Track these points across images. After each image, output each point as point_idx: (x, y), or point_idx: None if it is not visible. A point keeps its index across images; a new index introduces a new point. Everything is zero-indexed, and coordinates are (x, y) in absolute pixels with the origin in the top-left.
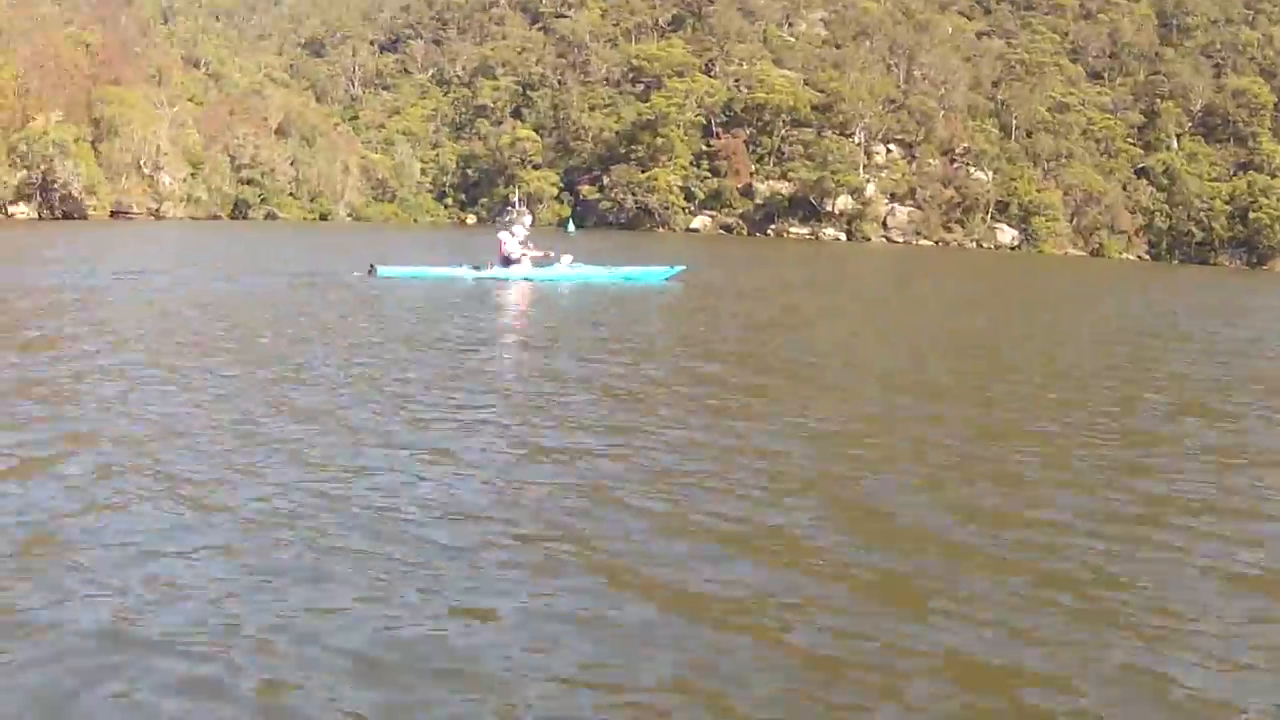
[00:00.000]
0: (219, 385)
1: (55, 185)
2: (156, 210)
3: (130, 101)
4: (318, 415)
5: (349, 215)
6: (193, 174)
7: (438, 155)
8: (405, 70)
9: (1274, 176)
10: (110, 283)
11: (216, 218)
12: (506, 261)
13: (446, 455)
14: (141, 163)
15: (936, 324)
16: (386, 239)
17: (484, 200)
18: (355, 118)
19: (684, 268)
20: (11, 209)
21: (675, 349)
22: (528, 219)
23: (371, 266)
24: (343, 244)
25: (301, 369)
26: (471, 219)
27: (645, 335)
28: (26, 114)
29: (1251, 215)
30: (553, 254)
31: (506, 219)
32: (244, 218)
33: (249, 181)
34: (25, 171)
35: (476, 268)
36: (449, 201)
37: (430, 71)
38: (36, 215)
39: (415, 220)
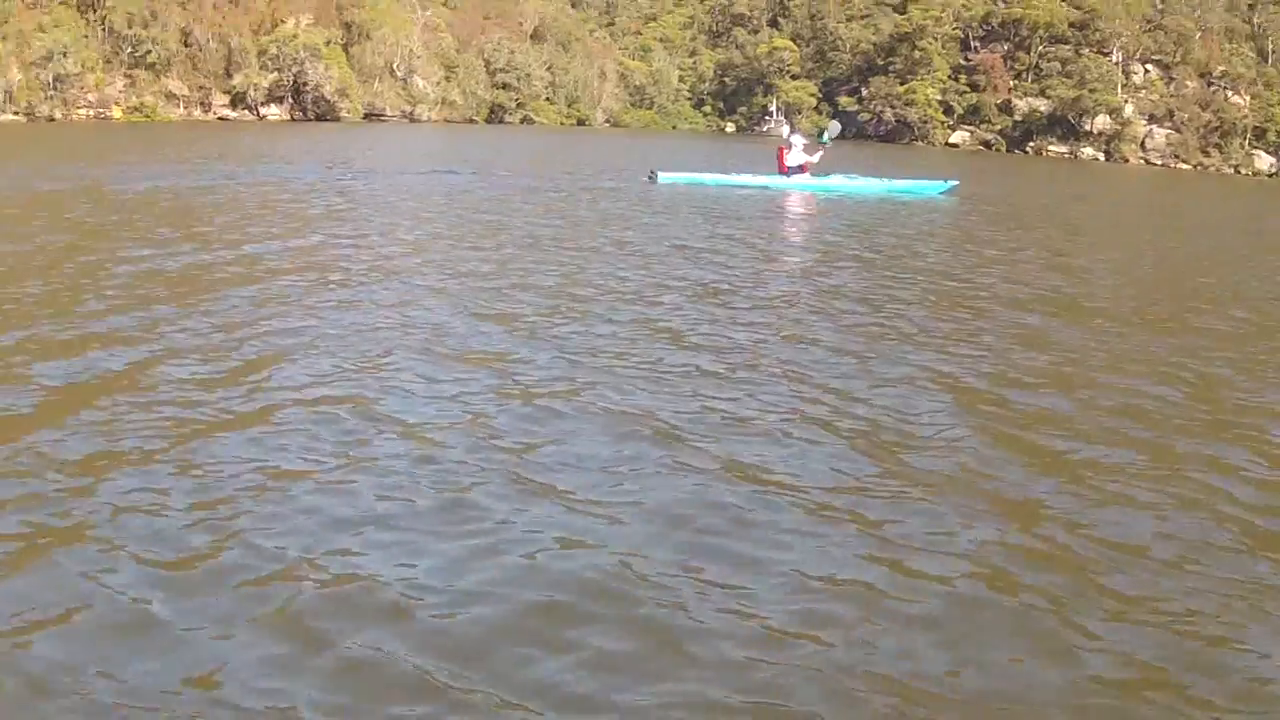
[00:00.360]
0: (512, 281)
1: (307, 88)
2: (410, 114)
3: (381, 5)
4: (596, 318)
5: (606, 121)
6: (446, 78)
7: (695, 63)
8: None
9: None
10: (393, 180)
11: (471, 121)
12: (786, 170)
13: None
14: (394, 66)
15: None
16: (654, 144)
17: (742, 109)
18: (611, 24)
19: (956, 183)
20: (264, 110)
21: (953, 270)
22: (786, 129)
23: (652, 172)
24: (613, 148)
25: (583, 272)
26: (730, 127)
27: (921, 253)
28: (276, 18)
29: None
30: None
31: (765, 128)
32: (500, 122)
33: (504, 86)
34: (277, 74)
35: (755, 176)
36: (707, 109)
37: None
38: (289, 117)
39: (673, 127)
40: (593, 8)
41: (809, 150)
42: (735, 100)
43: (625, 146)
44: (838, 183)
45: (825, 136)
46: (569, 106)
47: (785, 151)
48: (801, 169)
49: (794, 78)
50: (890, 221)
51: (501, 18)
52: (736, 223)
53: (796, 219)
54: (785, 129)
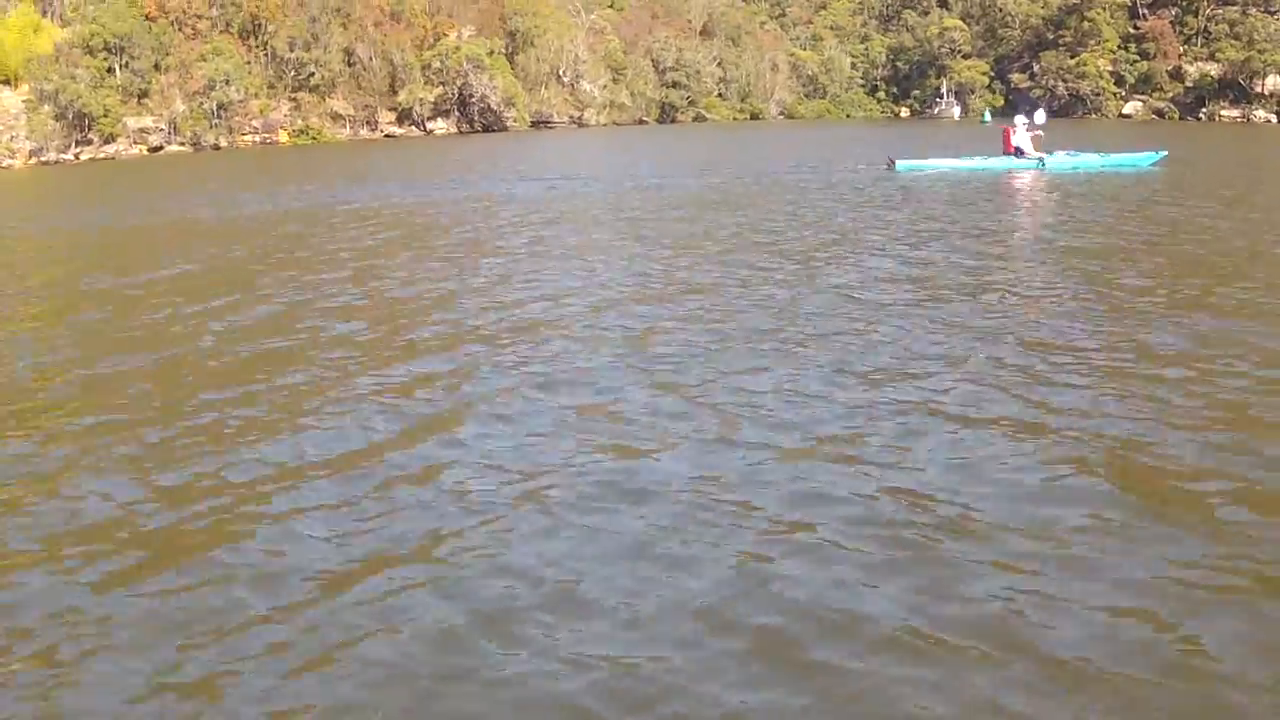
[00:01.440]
0: (770, 268)
1: (473, 99)
2: (579, 118)
3: (544, 12)
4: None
5: (780, 113)
6: (614, 80)
7: (866, 49)
8: None
9: None
10: (600, 186)
11: (642, 122)
12: (1013, 150)
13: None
14: (560, 72)
15: None
16: (849, 133)
17: (915, 93)
18: (782, 15)
19: (1165, 153)
20: (430, 125)
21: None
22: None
23: (890, 161)
24: (814, 139)
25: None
26: (904, 111)
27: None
28: (438, 31)
29: None
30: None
31: (936, 110)
32: (671, 121)
33: (674, 85)
34: (441, 88)
35: (986, 158)
36: (881, 95)
37: None
38: (456, 130)
39: (848, 115)
40: (764, 0)
41: (1031, 130)
42: (909, 84)
43: (823, 137)
44: (1060, 160)
45: (986, 117)
46: (741, 101)
47: (1011, 132)
48: (1024, 150)
49: (965, 57)
50: (1111, 195)
51: (670, 16)
52: (995, 204)
53: (1041, 196)
54: (955, 110)
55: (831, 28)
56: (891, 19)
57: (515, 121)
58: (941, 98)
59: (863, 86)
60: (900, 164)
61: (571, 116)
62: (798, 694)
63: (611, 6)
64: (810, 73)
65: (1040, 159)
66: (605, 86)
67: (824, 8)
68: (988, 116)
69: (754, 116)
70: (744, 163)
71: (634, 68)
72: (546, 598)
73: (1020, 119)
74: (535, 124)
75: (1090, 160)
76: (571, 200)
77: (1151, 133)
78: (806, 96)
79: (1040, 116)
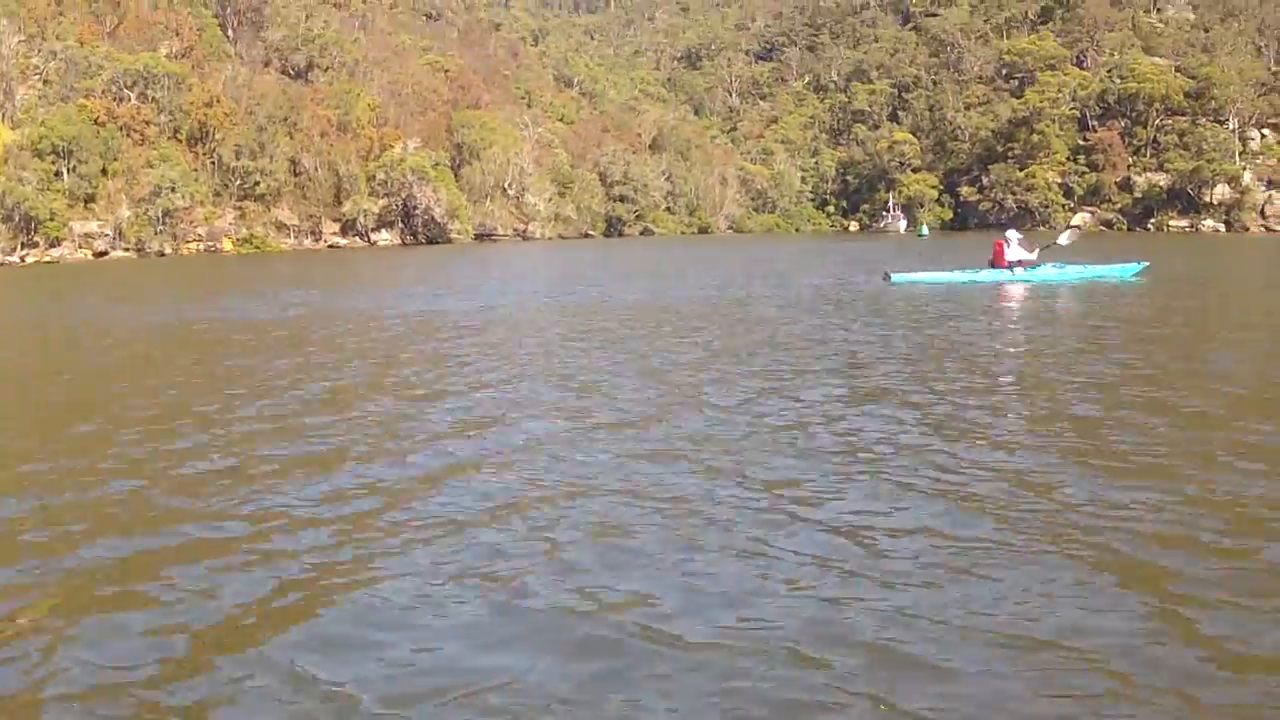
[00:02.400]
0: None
1: (417, 211)
2: (523, 231)
3: (491, 125)
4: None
5: (729, 227)
6: (560, 193)
7: (817, 163)
8: (781, 79)
9: None
10: (555, 299)
11: (588, 236)
12: (1006, 264)
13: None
14: (506, 185)
15: None
16: (806, 249)
17: (865, 206)
18: (733, 129)
19: (1147, 264)
20: (374, 236)
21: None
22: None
23: (886, 274)
24: (766, 257)
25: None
26: (854, 225)
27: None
28: (384, 142)
29: None
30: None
31: (883, 224)
32: (619, 234)
33: (621, 198)
34: (386, 199)
35: (979, 271)
36: (830, 209)
37: (806, 79)
38: (400, 241)
39: (797, 229)
40: (716, 114)
41: (1024, 245)
42: (858, 198)
43: (787, 251)
44: (1048, 272)
45: (924, 230)
46: (690, 215)
47: (1004, 247)
48: (1020, 264)
49: (915, 170)
50: (1099, 309)
51: (620, 130)
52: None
53: (1006, 309)
54: (901, 223)
55: (782, 142)
56: (842, 133)
57: (459, 234)
58: (888, 212)
59: (812, 200)
60: (895, 277)
61: (516, 229)
62: None
63: (562, 120)
64: (760, 187)
65: (1031, 269)
66: (551, 199)
67: (775, 122)
68: (925, 230)
69: (702, 230)
70: (732, 278)
71: (581, 181)
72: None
73: (1013, 233)
74: (479, 236)
75: (1076, 273)
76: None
77: (1097, 245)
78: (755, 210)
79: (1065, 238)
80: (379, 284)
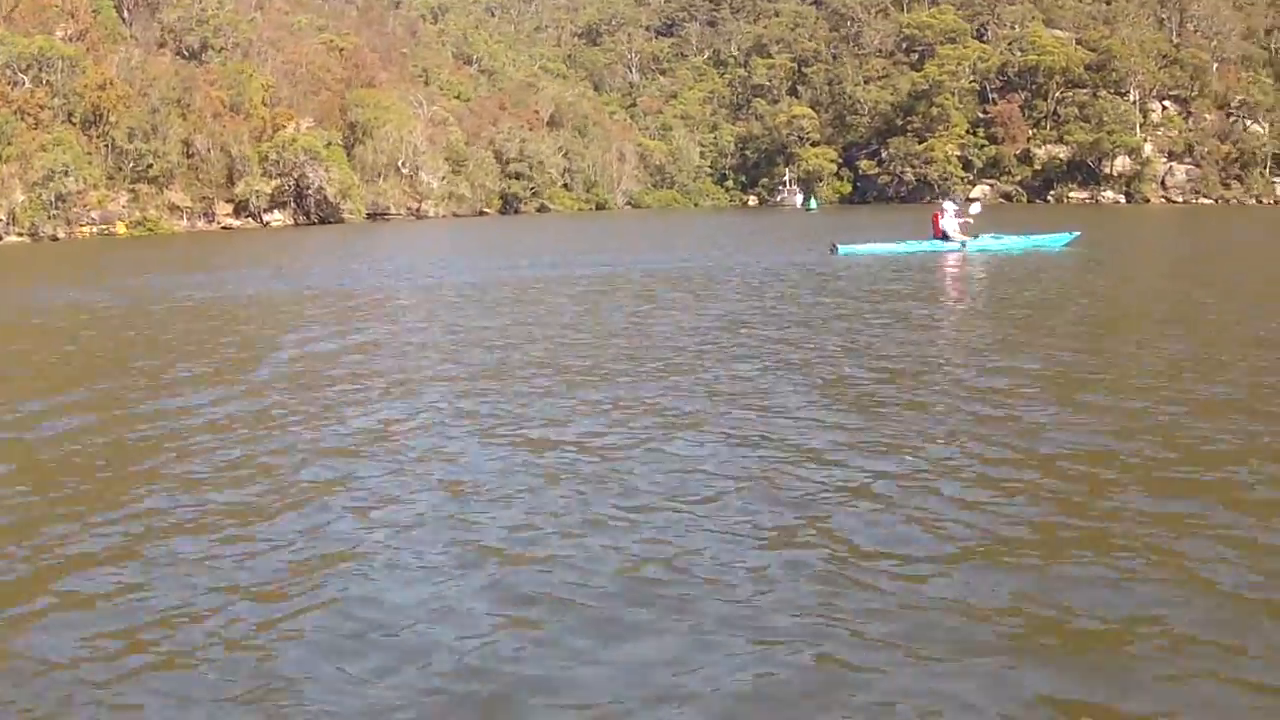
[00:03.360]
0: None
1: (309, 191)
2: (416, 210)
3: (385, 104)
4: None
5: (627, 203)
6: (454, 171)
7: (716, 138)
8: (681, 54)
9: None
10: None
11: (482, 213)
12: (941, 234)
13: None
14: (400, 164)
15: None
16: (700, 224)
17: (764, 180)
18: (633, 105)
19: (1079, 234)
20: (267, 217)
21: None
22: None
23: (834, 245)
24: (697, 229)
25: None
26: (753, 200)
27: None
28: (277, 123)
29: None
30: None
31: (779, 198)
32: (515, 212)
33: (517, 175)
34: (279, 179)
35: (919, 242)
36: (729, 184)
37: (706, 54)
38: (292, 221)
39: (695, 205)
40: (615, 90)
41: (959, 215)
42: (757, 172)
43: (702, 226)
44: (986, 242)
45: (811, 204)
46: (587, 191)
47: (940, 217)
48: (950, 234)
49: (814, 145)
50: (1032, 270)
51: (518, 107)
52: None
53: (945, 278)
54: (797, 197)
55: (681, 117)
56: (741, 107)
57: (351, 213)
58: (784, 186)
59: (710, 175)
60: (842, 248)
61: (409, 208)
62: None
63: (459, 98)
64: (658, 162)
65: (963, 242)
66: (444, 178)
67: (675, 97)
68: (814, 204)
69: (599, 206)
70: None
71: (475, 159)
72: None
73: (949, 205)
74: (372, 216)
75: (1012, 243)
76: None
77: (1002, 216)
78: (654, 186)
79: (976, 207)
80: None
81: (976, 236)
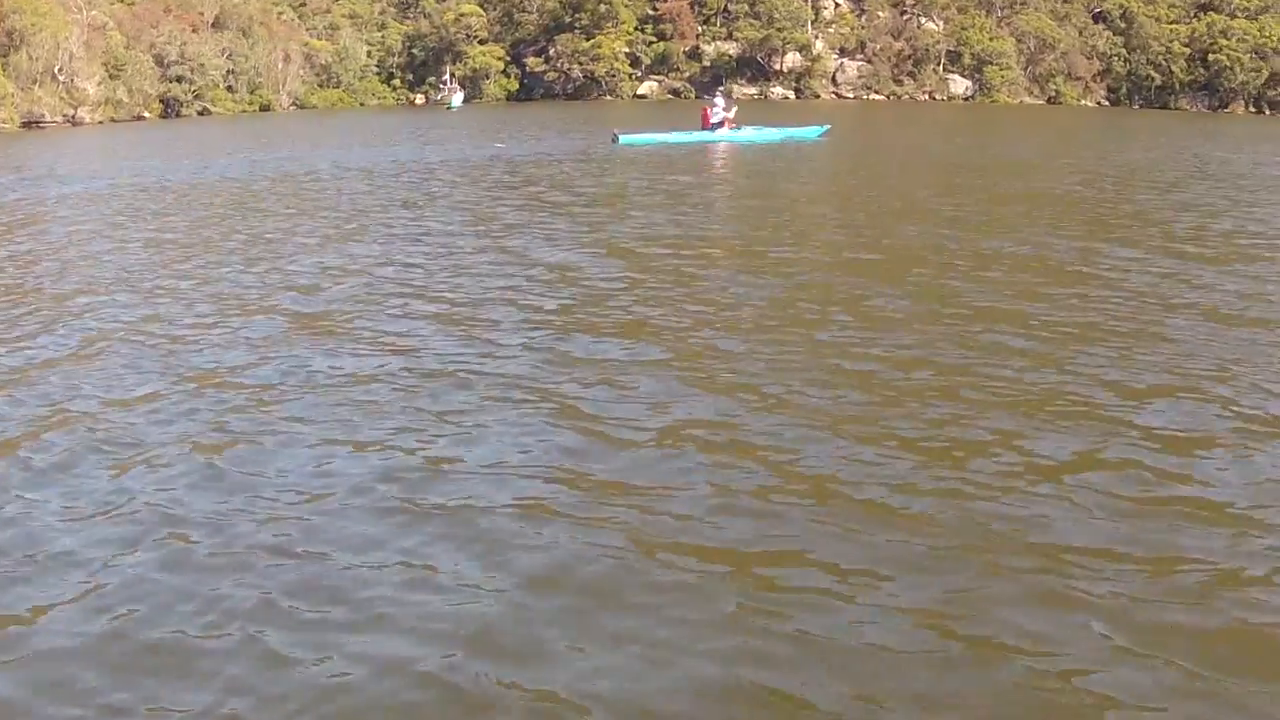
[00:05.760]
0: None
1: None
2: (72, 117)
3: (42, 10)
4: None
5: (293, 104)
6: (111, 76)
7: (383, 37)
8: None
9: (1233, 17)
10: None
11: (141, 119)
12: (710, 126)
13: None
14: (56, 70)
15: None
16: (374, 123)
17: (430, 79)
18: (303, 4)
19: (829, 127)
20: None
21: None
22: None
23: (615, 135)
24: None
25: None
26: (420, 99)
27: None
28: None
29: (1211, 58)
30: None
31: (439, 96)
32: (176, 115)
33: (178, 79)
34: None
35: (692, 132)
36: (396, 83)
37: None
38: None
39: (361, 104)
40: None
41: (727, 109)
42: (425, 71)
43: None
44: (748, 134)
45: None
46: (251, 94)
47: (709, 111)
48: (722, 124)
49: (482, 43)
50: (791, 162)
51: (183, 9)
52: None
53: (716, 163)
54: (457, 95)
55: (349, 16)
56: (410, 6)
57: (5, 122)
58: (444, 84)
59: (378, 74)
60: (623, 138)
61: (65, 115)
62: None
63: (122, 1)
64: (324, 62)
65: (737, 127)
66: (101, 83)
67: None
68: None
69: (264, 108)
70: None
71: (133, 63)
72: None
73: (719, 100)
74: (27, 124)
75: (773, 133)
76: None
77: (654, 113)
78: (320, 86)
79: (730, 101)
80: None
81: (740, 128)
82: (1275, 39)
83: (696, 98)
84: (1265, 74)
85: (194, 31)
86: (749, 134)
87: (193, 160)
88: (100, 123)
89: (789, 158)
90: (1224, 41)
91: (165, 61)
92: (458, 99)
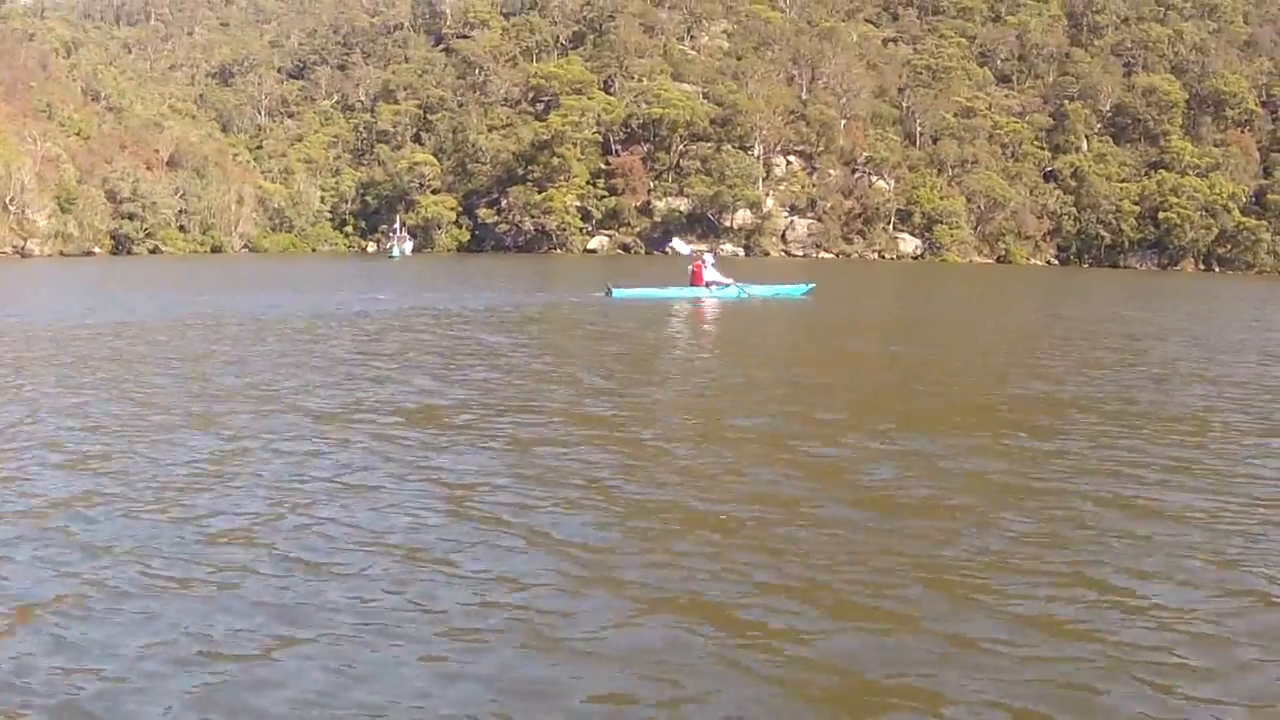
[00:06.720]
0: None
1: None
2: (21, 248)
3: None
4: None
5: (244, 246)
6: (63, 209)
7: (337, 182)
8: (310, 98)
9: (1184, 175)
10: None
11: (91, 254)
12: (703, 283)
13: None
14: (7, 201)
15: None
16: (317, 271)
17: (383, 227)
18: (259, 147)
19: (814, 285)
20: None
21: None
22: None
23: (609, 288)
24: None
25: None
26: (371, 246)
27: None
28: None
29: (1161, 215)
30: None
31: (388, 244)
32: (127, 253)
33: (130, 216)
34: None
35: (683, 289)
36: (349, 229)
37: (335, 98)
38: None
39: (313, 250)
40: (244, 132)
41: (719, 269)
42: (377, 218)
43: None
44: (735, 291)
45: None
46: (203, 234)
47: (701, 268)
48: (715, 282)
49: (434, 192)
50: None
51: (139, 145)
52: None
53: (707, 320)
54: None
55: (305, 160)
56: (365, 153)
57: None
58: (394, 233)
59: (330, 220)
60: (616, 292)
61: (15, 246)
62: None
63: (79, 134)
64: (277, 205)
65: (741, 287)
66: (52, 216)
67: (300, 140)
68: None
69: (215, 249)
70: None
71: (85, 198)
72: None
73: (709, 258)
74: None
75: (762, 291)
76: None
77: (608, 267)
78: (272, 229)
79: (716, 258)
80: None
81: (726, 286)
82: (1225, 196)
83: (647, 253)
84: (1215, 231)
85: (148, 169)
86: (734, 292)
87: (100, 301)
88: (49, 255)
89: (788, 311)
90: (1174, 199)
91: (118, 198)
92: (405, 248)
